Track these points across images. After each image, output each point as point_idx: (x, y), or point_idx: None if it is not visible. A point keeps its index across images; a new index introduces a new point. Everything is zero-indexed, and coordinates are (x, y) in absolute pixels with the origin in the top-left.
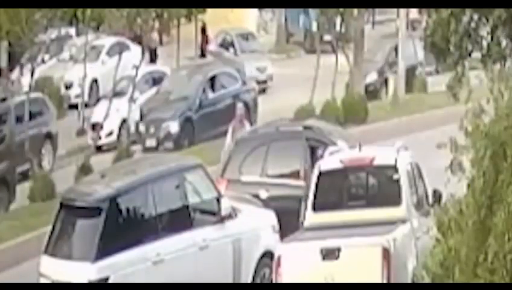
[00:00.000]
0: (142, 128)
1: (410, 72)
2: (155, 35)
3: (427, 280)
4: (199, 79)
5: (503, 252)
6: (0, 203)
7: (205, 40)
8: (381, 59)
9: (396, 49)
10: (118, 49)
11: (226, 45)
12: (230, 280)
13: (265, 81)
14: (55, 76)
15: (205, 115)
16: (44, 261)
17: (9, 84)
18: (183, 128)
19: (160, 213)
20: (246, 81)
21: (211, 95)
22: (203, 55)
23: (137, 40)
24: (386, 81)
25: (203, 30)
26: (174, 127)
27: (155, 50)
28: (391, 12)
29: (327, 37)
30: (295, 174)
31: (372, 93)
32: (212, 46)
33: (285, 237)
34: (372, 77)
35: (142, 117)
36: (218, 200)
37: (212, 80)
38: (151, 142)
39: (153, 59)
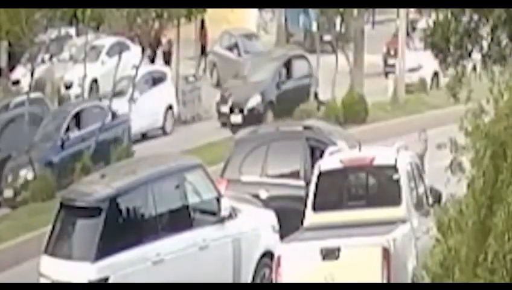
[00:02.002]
0: None
1: (302, 91)
2: (168, 38)
3: (427, 280)
4: (60, 118)
5: (503, 252)
6: None
7: (204, 35)
8: (266, 79)
9: (287, 68)
10: (118, 49)
11: (229, 46)
12: (230, 280)
13: None
14: (55, 76)
15: (69, 157)
16: (44, 261)
17: (9, 84)
18: (43, 175)
19: (160, 213)
20: (116, 114)
21: (75, 133)
22: (203, 53)
23: (149, 43)
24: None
25: (202, 25)
26: (30, 175)
27: (169, 52)
28: (391, 12)
29: (327, 37)
30: (295, 174)
31: (256, 117)
32: (216, 47)
33: (285, 237)
34: (255, 100)
35: None
36: (218, 200)
37: (77, 116)
38: (8, 193)
39: (167, 61)
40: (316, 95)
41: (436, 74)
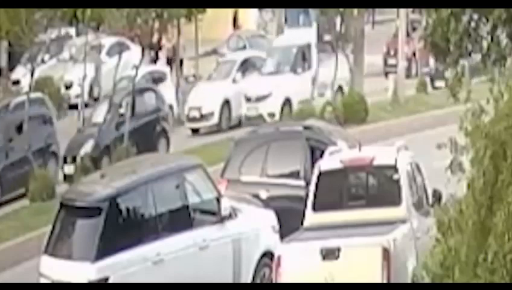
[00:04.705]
0: None
1: (148, 129)
2: (172, 43)
3: (427, 280)
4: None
5: (503, 252)
6: None
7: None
8: (102, 121)
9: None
10: (118, 49)
11: (237, 48)
12: (230, 280)
13: None
14: (55, 76)
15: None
16: (44, 261)
17: (9, 84)
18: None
19: (160, 213)
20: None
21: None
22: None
23: (150, 46)
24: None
25: (234, 22)
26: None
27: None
28: (391, 13)
29: (327, 37)
30: (295, 174)
31: (89, 166)
32: (223, 49)
33: (285, 237)
34: (89, 146)
35: None
36: (218, 200)
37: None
38: None
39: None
40: (164, 131)
41: (288, 100)
